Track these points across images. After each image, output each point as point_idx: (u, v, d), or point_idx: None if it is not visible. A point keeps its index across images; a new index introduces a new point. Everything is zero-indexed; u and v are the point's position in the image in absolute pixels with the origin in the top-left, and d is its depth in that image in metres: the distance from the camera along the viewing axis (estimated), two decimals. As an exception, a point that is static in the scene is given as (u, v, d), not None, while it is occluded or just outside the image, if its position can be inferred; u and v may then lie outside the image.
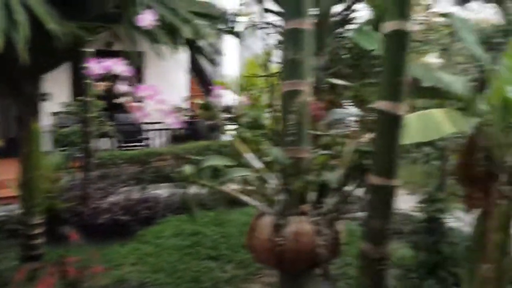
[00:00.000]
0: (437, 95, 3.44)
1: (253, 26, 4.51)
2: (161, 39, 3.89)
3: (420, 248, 4.38)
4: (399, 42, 1.84)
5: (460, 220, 4.17)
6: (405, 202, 5.23)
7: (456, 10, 2.41)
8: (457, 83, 3.12)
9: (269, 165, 2.40)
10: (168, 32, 4.05)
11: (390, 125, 1.90)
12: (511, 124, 3.09)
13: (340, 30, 4.16)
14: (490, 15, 2.36)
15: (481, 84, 3.27)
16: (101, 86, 2.57)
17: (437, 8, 2.22)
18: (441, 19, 2.54)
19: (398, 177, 1.94)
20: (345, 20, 4.11)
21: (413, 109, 2.94)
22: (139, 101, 2.45)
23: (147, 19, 2.50)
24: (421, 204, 4.28)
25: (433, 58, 2.06)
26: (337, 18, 4.06)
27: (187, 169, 2.34)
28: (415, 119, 2.77)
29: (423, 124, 2.72)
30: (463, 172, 3.36)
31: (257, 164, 2.23)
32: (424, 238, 4.33)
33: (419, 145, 5.77)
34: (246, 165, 2.46)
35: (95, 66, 2.47)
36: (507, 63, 3.08)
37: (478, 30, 6.51)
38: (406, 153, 6.97)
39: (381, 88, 1.92)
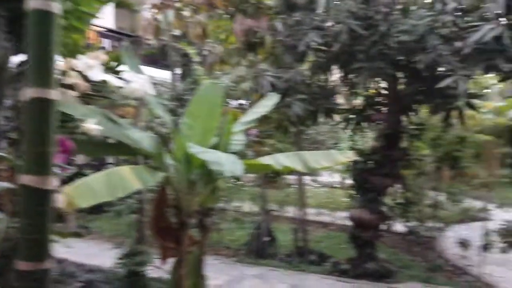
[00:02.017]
0: (127, 152, 3.49)
1: None
2: None
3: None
4: (41, 110, 1.69)
5: (161, 270, 4.26)
6: (111, 257, 5.06)
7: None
8: (145, 139, 3.24)
9: None
10: None
11: (37, 202, 1.69)
12: (194, 177, 3.41)
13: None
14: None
15: (166, 140, 3.50)
16: None
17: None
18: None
19: (50, 259, 1.74)
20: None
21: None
22: None
23: None
24: (122, 260, 4.21)
25: (92, 124, 2.01)
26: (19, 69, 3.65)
27: None
28: (102, 178, 2.70)
29: (110, 182, 2.66)
30: (156, 224, 3.48)
31: None
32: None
33: (122, 198, 5.76)
34: None
35: None
36: (187, 121, 3.41)
37: (171, 87, 7.18)
38: (111, 205, 6.85)
39: (24, 161, 1.72)
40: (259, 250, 7.06)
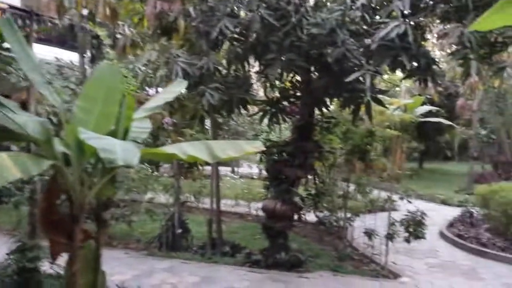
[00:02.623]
0: (12, 137, 3.15)
1: None
2: None
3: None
4: None
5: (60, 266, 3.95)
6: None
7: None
8: (31, 124, 2.93)
9: None
10: None
11: None
12: (88, 166, 3.15)
13: None
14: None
15: (58, 125, 3.20)
16: None
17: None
18: None
19: None
20: None
21: None
22: None
23: None
24: (12, 255, 3.83)
25: None
26: None
27: None
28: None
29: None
30: (45, 217, 3.18)
31: None
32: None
33: (20, 188, 5.29)
34: None
35: None
36: (81, 104, 3.14)
37: (79, 70, 6.72)
38: (10, 196, 6.29)
39: None
40: (171, 242, 6.87)
